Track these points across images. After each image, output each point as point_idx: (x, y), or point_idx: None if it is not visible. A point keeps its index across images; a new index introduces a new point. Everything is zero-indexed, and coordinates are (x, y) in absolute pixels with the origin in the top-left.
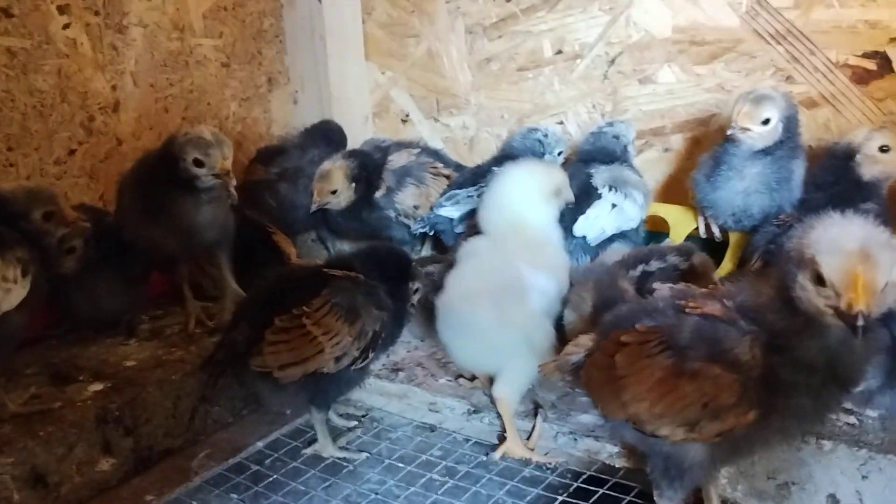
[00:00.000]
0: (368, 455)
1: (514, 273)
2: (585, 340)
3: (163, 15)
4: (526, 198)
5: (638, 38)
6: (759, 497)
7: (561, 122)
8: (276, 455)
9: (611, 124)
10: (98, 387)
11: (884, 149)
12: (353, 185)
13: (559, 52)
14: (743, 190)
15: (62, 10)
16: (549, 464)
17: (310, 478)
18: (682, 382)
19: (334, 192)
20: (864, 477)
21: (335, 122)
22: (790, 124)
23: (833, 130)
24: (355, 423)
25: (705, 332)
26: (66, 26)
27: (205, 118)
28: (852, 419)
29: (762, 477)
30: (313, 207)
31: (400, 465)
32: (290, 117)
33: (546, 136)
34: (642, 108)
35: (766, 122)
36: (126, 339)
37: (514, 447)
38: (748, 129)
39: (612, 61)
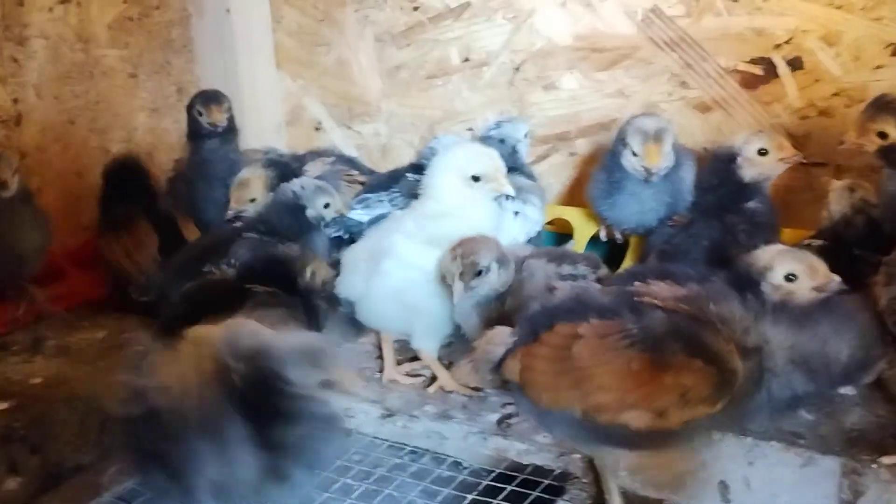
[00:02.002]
0: None
1: (387, 243)
2: (504, 336)
3: (65, 26)
4: (437, 171)
5: (541, 46)
6: (657, 486)
7: (471, 129)
8: None
9: (498, 125)
10: (2, 406)
11: (762, 152)
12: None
13: (466, 59)
14: (639, 210)
15: None
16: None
17: None
18: (660, 374)
19: (252, 201)
20: (750, 463)
21: None
22: (675, 141)
23: (725, 133)
24: None
25: (681, 327)
26: None
27: (113, 129)
28: None
29: None
30: (229, 214)
31: None
32: None
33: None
34: (547, 114)
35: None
36: (31, 356)
37: (446, 382)
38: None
39: (517, 68)
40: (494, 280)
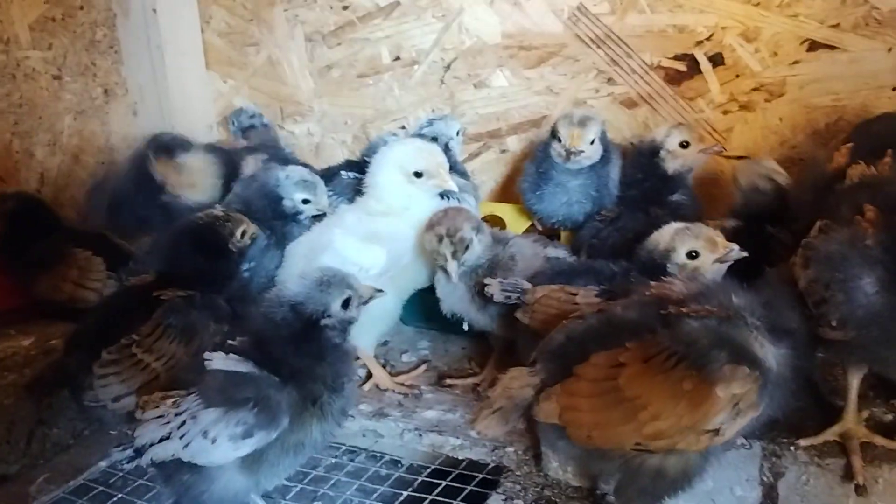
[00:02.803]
0: None
1: (326, 237)
2: (525, 378)
3: None
4: (379, 168)
5: (471, 44)
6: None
7: (403, 127)
8: (120, 474)
9: (430, 123)
10: None
11: (683, 144)
12: (218, 182)
13: (397, 58)
14: (566, 202)
15: None
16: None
17: (158, 494)
18: (712, 387)
19: (191, 186)
20: None
21: None
22: (604, 138)
23: (651, 128)
24: None
25: (719, 333)
26: None
27: (37, 132)
28: None
29: None
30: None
31: None
32: (130, 129)
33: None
34: (478, 112)
35: (592, 142)
36: None
37: (382, 380)
38: (582, 151)
39: (448, 67)
40: (478, 249)
